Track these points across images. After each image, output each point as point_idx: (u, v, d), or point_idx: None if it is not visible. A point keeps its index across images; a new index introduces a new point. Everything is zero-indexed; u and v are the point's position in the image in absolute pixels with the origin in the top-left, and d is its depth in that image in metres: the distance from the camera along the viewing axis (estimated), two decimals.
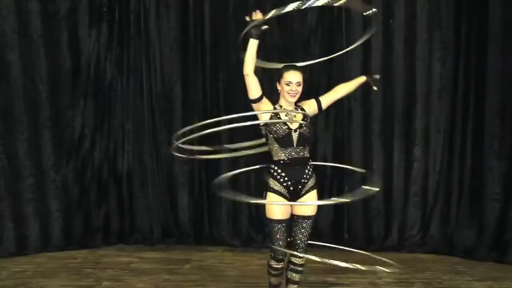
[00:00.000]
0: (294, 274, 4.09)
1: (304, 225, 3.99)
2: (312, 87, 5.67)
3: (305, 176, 3.96)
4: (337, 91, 4.16)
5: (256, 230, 6.57)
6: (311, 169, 3.99)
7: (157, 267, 5.71)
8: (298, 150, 3.91)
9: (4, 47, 6.17)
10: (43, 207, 6.36)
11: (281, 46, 6.41)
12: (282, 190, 3.92)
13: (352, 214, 6.48)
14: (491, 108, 5.89)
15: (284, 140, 3.89)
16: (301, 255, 4.00)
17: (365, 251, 6.19)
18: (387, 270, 4.02)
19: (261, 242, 6.51)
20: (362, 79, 4.23)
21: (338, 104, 6.17)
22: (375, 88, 4.24)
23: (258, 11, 3.78)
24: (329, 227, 6.49)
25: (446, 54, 6.20)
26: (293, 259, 4.07)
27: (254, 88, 3.87)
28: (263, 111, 3.91)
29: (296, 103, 4.00)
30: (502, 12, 5.80)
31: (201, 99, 6.65)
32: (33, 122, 6.30)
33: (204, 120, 3.94)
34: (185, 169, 6.75)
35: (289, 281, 4.13)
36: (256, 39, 3.78)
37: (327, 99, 4.10)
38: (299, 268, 4.07)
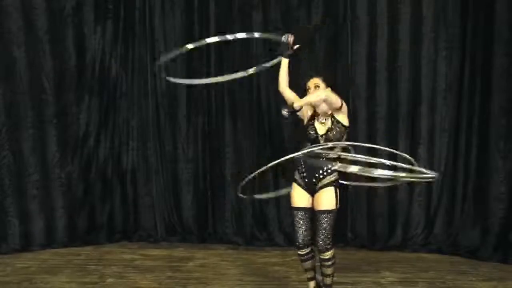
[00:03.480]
0: (323, 268, 4.22)
1: (320, 220, 4.09)
2: None
3: (321, 172, 4.10)
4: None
5: (259, 228, 6.57)
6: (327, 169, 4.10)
7: (161, 265, 5.71)
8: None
9: (10, 44, 6.19)
10: (47, 204, 6.38)
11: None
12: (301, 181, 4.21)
13: (356, 213, 6.46)
14: (496, 108, 5.86)
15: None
16: (327, 253, 4.13)
17: (369, 250, 6.26)
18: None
19: (265, 240, 6.52)
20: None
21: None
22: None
23: (290, 35, 4.21)
24: None
25: (452, 53, 6.16)
26: (320, 255, 4.18)
27: (291, 101, 4.05)
28: None
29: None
30: (508, 11, 5.76)
31: (206, 97, 6.65)
32: (38, 119, 6.31)
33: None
34: (189, 167, 6.75)
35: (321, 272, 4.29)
36: (287, 58, 4.26)
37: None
38: (326, 263, 4.18)
